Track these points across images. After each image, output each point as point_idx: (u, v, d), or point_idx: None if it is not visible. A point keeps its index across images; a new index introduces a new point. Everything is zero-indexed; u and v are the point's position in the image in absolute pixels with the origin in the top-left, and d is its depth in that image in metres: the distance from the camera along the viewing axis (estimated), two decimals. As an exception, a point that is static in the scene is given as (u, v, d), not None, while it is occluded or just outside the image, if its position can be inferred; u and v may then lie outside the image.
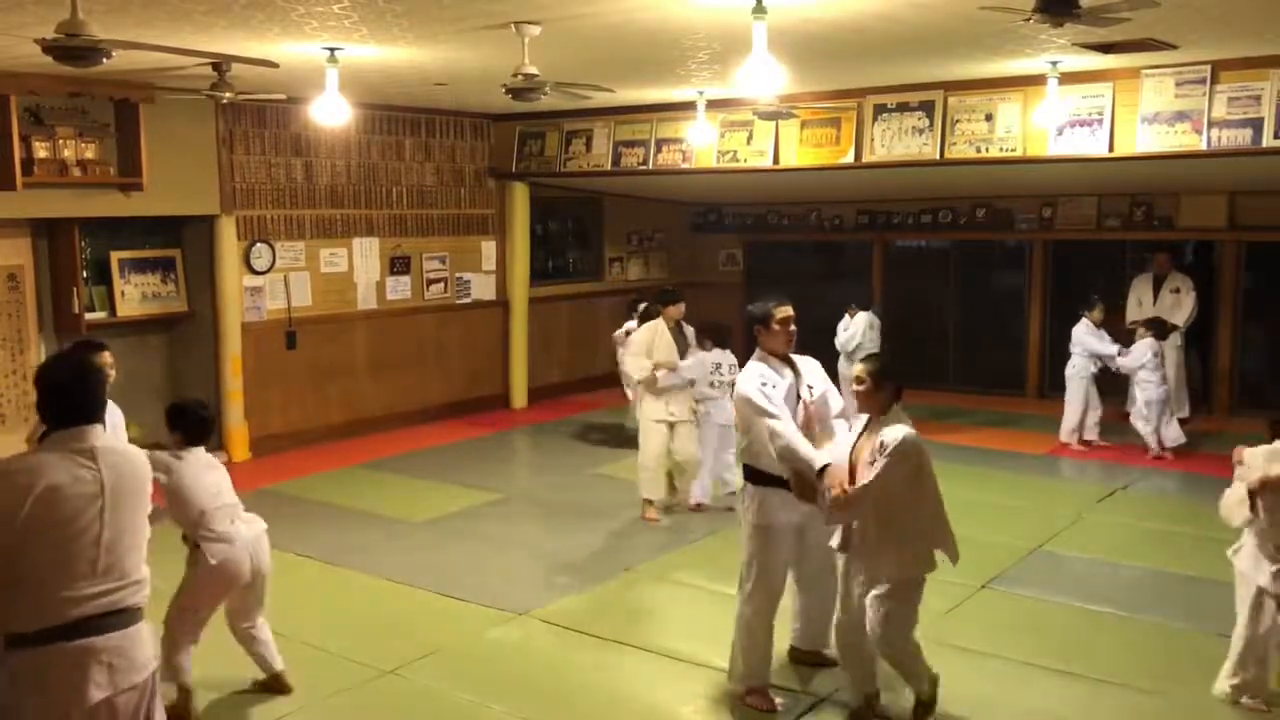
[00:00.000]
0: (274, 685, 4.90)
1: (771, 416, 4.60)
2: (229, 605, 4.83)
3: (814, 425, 4.76)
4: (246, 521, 4.80)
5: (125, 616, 3.10)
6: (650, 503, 7.64)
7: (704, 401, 7.85)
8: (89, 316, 8.75)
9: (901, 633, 4.42)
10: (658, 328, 7.87)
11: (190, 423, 4.80)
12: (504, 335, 11.78)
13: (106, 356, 4.96)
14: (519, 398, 11.87)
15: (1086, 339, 9.68)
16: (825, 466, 4.46)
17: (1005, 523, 7.46)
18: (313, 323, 10.07)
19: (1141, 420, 9.43)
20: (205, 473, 4.73)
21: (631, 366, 7.89)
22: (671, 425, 7.66)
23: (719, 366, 7.78)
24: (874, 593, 4.40)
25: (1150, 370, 9.35)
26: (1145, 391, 9.39)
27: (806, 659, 5.19)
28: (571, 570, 6.59)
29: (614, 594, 6.27)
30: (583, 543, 7.15)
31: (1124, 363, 9.47)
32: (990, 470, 8.96)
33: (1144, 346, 9.43)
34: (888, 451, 4.28)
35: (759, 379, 4.74)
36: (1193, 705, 4.82)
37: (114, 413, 4.98)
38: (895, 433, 4.33)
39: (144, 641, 3.18)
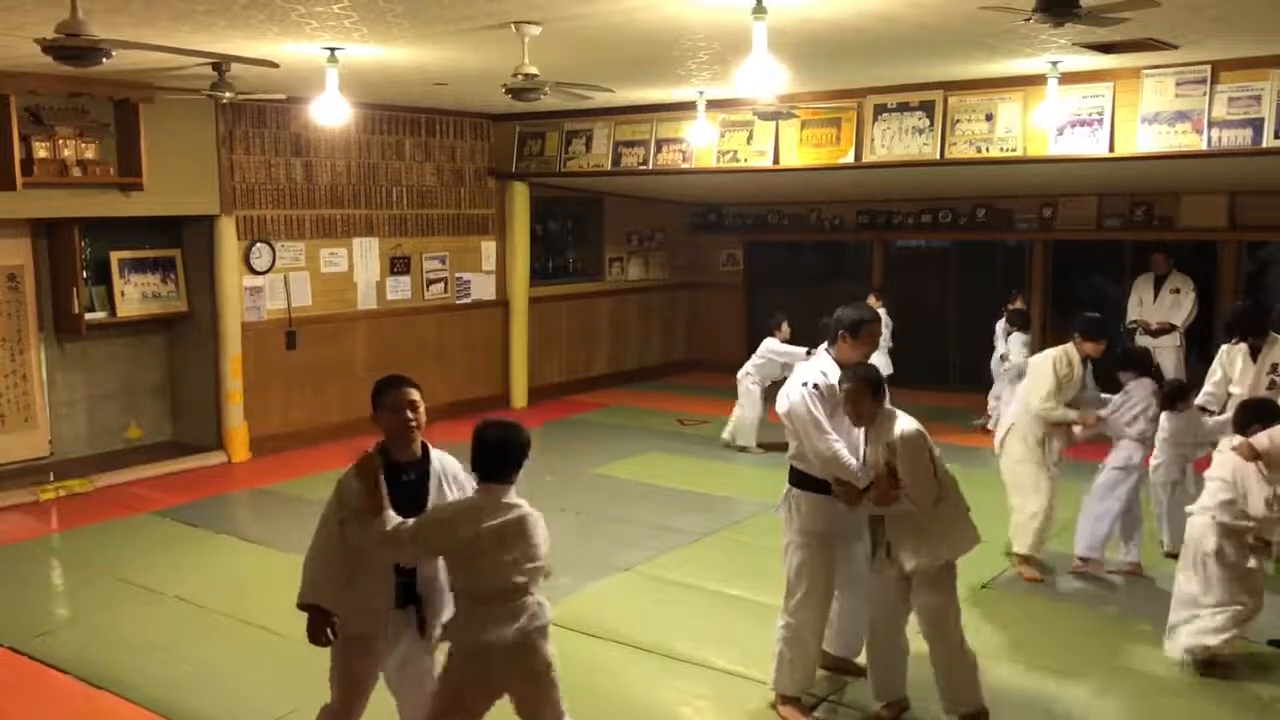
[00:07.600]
0: None
1: (826, 433, 4.52)
2: None
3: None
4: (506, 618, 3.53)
5: None
6: (1028, 559, 6.57)
7: (1125, 444, 6.38)
8: (89, 317, 8.77)
9: (948, 624, 4.45)
10: (1071, 359, 6.32)
11: (487, 454, 3.56)
12: (504, 335, 11.78)
13: (411, 394, 3.78)
14: (519, 398, 11.87)
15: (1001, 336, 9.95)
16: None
17: (1005, 523, 7.44)
18: (312, 323, 10.08)
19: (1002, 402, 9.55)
20: (493, 549, 3.46)
21: (1042, 407, 6.29)
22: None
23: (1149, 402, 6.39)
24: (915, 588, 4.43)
25: None
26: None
27: (833, 665, 5.06)
28: (571, 570, 6.58)
29: (614, 594, 6.28)
30: (582, 543, 7.15)
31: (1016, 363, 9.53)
32: (990, 471, 8.90)
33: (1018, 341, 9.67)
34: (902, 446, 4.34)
35: (811, 379, 4.60)
36: (1195, 704, 4.83)
37: (448, 460, 3.88)
38: (902, 426, 4.39)
39: None
